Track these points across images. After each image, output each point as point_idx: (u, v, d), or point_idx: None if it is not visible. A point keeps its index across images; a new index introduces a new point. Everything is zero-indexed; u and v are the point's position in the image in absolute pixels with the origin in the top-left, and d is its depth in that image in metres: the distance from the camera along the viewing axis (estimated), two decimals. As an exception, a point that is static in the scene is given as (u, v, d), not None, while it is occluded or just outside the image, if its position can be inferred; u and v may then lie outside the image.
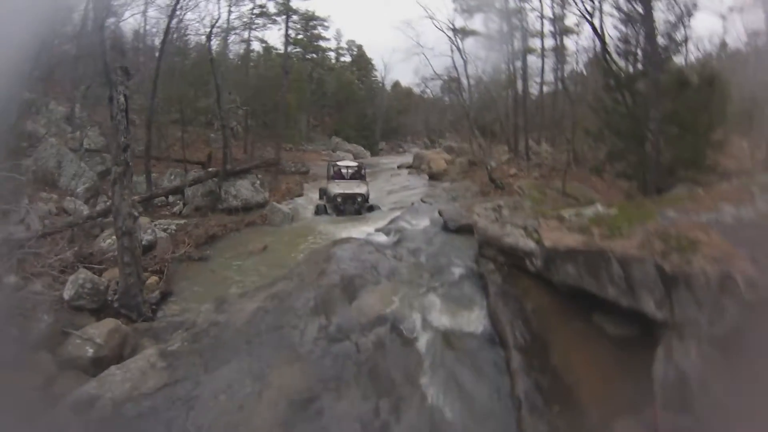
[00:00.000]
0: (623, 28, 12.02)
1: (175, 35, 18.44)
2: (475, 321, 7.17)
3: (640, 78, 11.24)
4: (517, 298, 7.22)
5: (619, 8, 11.98)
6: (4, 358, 6.25)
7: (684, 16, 11.29)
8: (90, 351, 6.82)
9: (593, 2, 13.52)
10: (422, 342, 6.62)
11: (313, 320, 6.87)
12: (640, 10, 11.15)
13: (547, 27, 20.30)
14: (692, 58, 17.08)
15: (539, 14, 19.77)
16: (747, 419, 3.97)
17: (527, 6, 20.23)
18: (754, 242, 4.87)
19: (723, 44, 18.14)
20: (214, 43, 20.74)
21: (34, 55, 17.79)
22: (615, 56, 12.19)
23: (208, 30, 18.61)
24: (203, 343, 6.47)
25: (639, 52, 11.62)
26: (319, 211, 15.20)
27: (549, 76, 21.33)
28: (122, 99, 8.92)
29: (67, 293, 8.06)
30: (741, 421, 3.99)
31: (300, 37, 27.13)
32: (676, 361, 4.75)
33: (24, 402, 5.70)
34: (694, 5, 11.70)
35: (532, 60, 21.01)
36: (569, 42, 20.78)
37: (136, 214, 9.16)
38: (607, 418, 4.62)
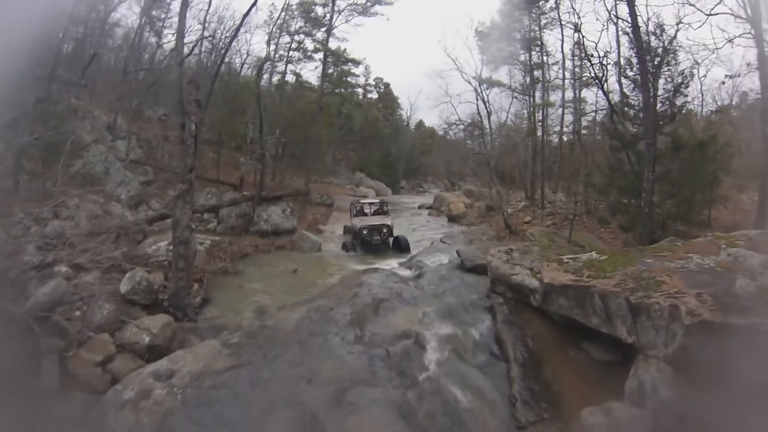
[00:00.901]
0: (629, 93, 14.01)
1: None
2: (483, 341, 8.98)
3: (641, 140, 12.81)
4: (520, 326, 9.07)
5: (625, 75, 14.10)
6: (68, 335, 7.70)
7: (682, 85, 13.11)
8: (146, 339, 8.16)
9: (604, 68, 15.77)
10: (440, 353, 8.36)
11: (351, 330, 8.79)
12: (638, 78, 13.00)
13: (569, 79, 22.66)
14: (709, 109, 18.84)
15: (561, 67, 22.26)
16: (682, 408, 5.83)
17: (550, 60, 22.79)
18: (705, 283, 6.72)
19: (743, 95, 19.70)
20: (250, 71, 23.34)
21: (83, 66, 20.37)
22: (622, 118, 13.99)
23: (245, 57, 21.00)
24: (259, 339, 8.29)
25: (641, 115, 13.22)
26: (346, 247, 16.68)
27: (570, 127, 23.50)
28: (193, 127, 10.69)
29: (124, 287, 9.35)
30: (676, 409, 5.87)
31: (330, 71, 29.59)
32: (639, 375, 6.63)
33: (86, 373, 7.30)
34: (691, 74, 13.64)
35: (553, 110, 23.23)
36: (590, 94, 23.00)
37: (193, 226, 10.89)
38: (578, 409, 6.43)
